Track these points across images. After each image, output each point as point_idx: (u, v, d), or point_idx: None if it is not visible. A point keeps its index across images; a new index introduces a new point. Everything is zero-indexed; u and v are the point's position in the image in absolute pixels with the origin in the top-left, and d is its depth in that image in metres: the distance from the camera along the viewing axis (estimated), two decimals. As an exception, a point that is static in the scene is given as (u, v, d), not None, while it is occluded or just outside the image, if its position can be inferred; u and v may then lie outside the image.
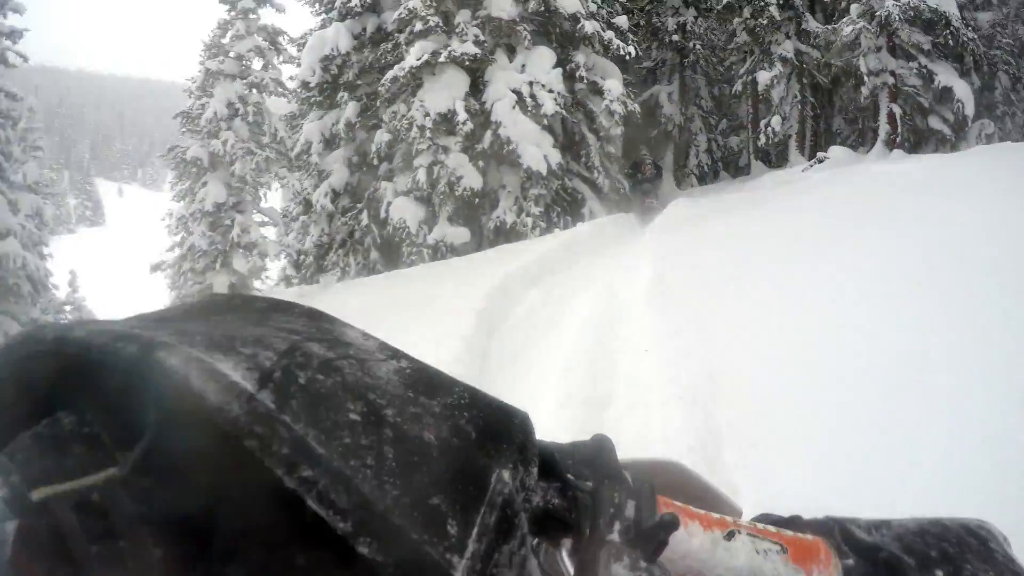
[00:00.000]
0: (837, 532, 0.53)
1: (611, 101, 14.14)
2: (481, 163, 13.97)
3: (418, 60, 14.01)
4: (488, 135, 13.88)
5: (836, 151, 16.08)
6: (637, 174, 17.83)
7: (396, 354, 0.42)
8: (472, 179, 13.73)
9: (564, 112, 14.00)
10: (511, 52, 14.86)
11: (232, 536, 0.31)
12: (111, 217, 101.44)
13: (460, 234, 13.98)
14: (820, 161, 15.81)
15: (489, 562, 0.33)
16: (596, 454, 0.51)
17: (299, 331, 0.39)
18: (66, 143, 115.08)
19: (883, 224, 6.16)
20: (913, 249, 5.07)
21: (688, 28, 21.48)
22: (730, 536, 0.49)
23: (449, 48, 13.92)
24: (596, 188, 14.88)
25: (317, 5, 18.74)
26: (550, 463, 0.47)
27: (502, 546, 0.35)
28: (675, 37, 21.26)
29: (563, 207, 14.55)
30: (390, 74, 14.65)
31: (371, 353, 0.40)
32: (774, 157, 22.16)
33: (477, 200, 14.10)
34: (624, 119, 14.58)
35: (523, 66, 14.33)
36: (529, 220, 13.55)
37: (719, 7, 19.43)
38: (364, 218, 15.68)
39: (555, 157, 13.54)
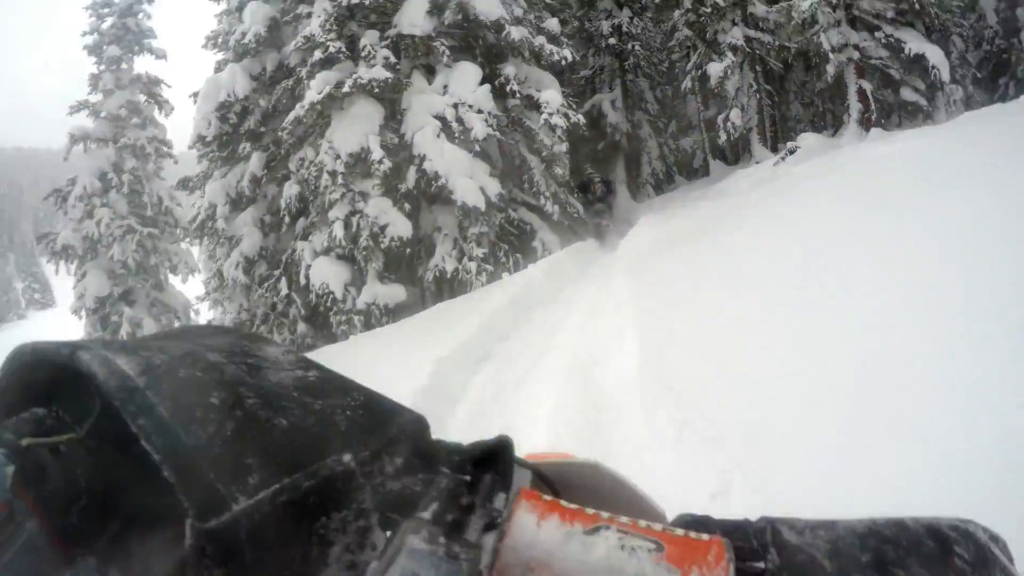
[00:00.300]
0: (769, 533, 0.49)
1: (550, 114, 11.83)
2: (408, 206, 11.56)
3: (320, 94, 11.60)
4: (412, 172, 11.48)
5: (807, 138, 13.98)
6: (588, 194, 15.58)
7: (308, 367, 0.55)
8: (399, 226, 11.31)
9: (498, 134, 11.68)
10: (430, 73, 12.53)
11: (125, 469, 0.45)
12: (61, 297, 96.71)
13: (394, 293, 11.53)
14: (791, 152, 13.67)
15: (293, 516, 0.44)
16: (486, 453, 0.55)
17: (213, 346, 0.52)
18: (7, 225, 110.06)
19: (903, 220, 4.80)
20: (937, 245, 4.04)
21: (624, 30, 19.40)
22: (594, 531, 0.49)
23: (355, 76, 11.54)
24: (545, 216, 12.53)
25: (214, 49, 16.23)
26: (431, 457, 0.54)
27: (331, 513, 0.46)
28: (611, 40, 19.15)
29: (510, 243, 12.17)
30: (292, 115, 12.22)
31: (278, 364, 0.54)
32: (730, 154, 20.16)
33: (408, 250, 11.68)
34: (568, 133, 12.28)
35: (445, 87, 12.00)
36: (472, 265, 11.15)
37: (656, 1, 17.36)
38: (283, 286, 13.14)
39: (493, 187, 11.20)
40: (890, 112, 15.67)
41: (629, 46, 19.39)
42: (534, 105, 12.28)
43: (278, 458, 0.45)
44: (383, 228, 11.27)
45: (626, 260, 8.30)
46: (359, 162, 11.39)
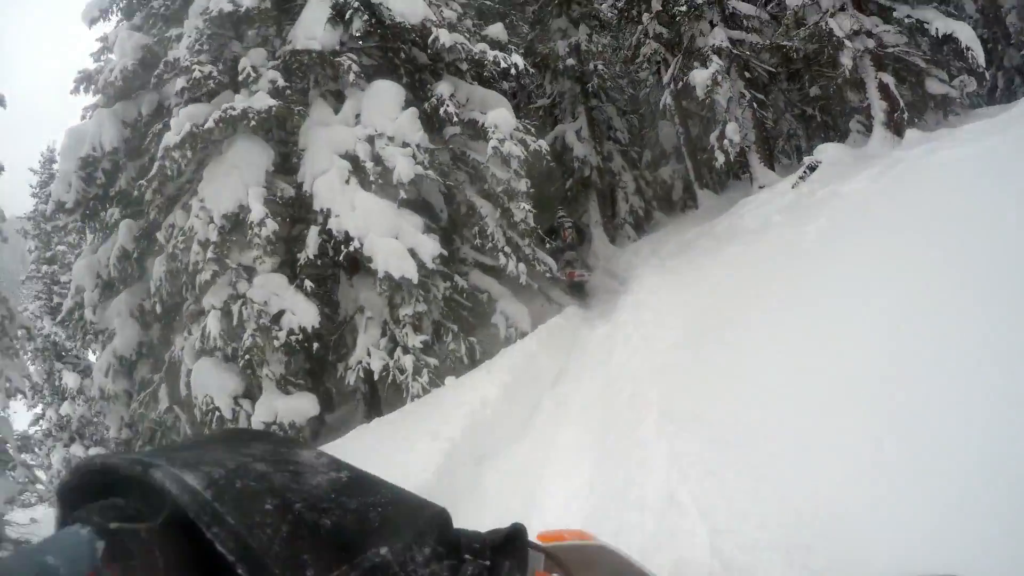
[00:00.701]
0: None
1: (500, 140, 8.14)
2: (309, 284, 7.75)
3: (179, 135, 7.87)
4: (313, 234, 7.73)
5: (827, 150, 10.45)
6: (557, 241, 11.91)
7: (340, 468, 0.60)
8: (301, 312, 7.51)
9: (432, 173, 7.97)
10: (338, 99, 8.86)
11: (198, 558, 0.48)
12: None
13: (301, 406, 7.65)
14: (812, 168, 10.18)
15: None
16: (504, 540, 0.61)
17: (257, 455, 0.56)
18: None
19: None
20: None
21: (583, 48, 15.96)
22: None
23: (226, 108, 7.82)
24: (507, 279, 8.77)
25: (87, 93, 12.32)
26: (455, 546, 0.58)
27: None
28: (570, 62, 15.66)
29: (461, 322, 8.39)
30: (156, 166, 8.48)
31: (314, 468, 0.58)
32: (718, 180, 16.70)
33: (316, 344, 7.86)
34: (528, 165, 8.61)
35: (357, 116, 8.33)
36: (408, 361, 7.33)
37: (620, 4, 13.92)
38: (164, 397, 9.21)
39: (430, 248, 7.44)
40: (918, 109, 12.33)
41: (591, 66, 15.95)
42: (479, 133, 8.61)
43: (328, 553, 0.49)
44: (277, 317, 7.48)
45: (650, 372, 4.48)
46: (238, 226, 7.64)
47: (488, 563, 0.56)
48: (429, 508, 0.59)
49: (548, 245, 9.46)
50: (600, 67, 16.22)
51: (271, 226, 7.28)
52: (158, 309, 8.98)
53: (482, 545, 0.59)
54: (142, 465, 0.50)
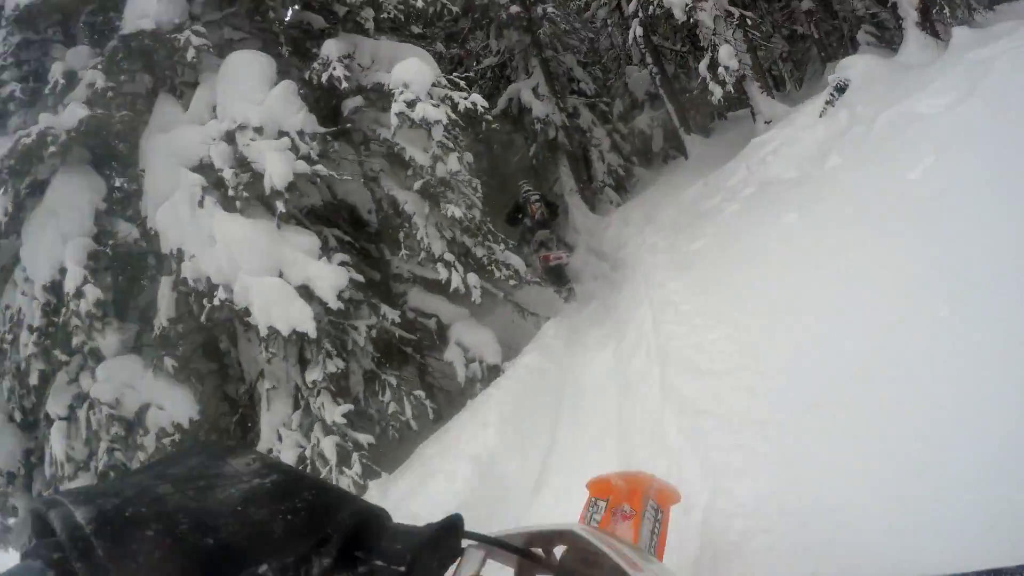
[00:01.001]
0: None
1: (410, 103, 5.50)
2: (171, 363, 5.22)
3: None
4: (165, 289, 5.23)
5: (858, 64, 7.72)
6: (524, 220, 9.29)
7: (269, 472, 0.54)
8: (172, 404, 5.04)
9: (323, 167, 5.39)
10: (192, 88, 6.30)
11: None
12: None
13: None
14: (841, 88, 7.55)
15: None
16: (431, 537, 0.53)
17: (172, 475, 0.53)
18: None
19: None
20: None
21: (526, -7, 13.23)
22: None
23: (19, 136, 5.30)
24: (456, 295, 6.13)
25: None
26: (370, 551, 0.53)
27: None
28: (514, 9, 12.94)
29: (405, 364, 5.89)
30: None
31: (235, 477, 0.53)
32: (702, 119, 14.08)
33: (203, 441, 5.39)
34: (462, 132, 6.00)
35: (214, 108, 5.79)
36: (330, 445, 4.87)
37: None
38: (49, 525, 6.81)
39: (332, 278, 4.88)
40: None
41: (539, 11, 13.28)
42: (382, 99, 6.00)
43: (193, 573, 0.46)
44: (139, 416, 5.01)
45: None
46: (60, 300, 5.14)
47: (403, 568, 0.50)
48: (349, 508, 0.52)
49: (503, 248, 6.57)
50: (551, 10, 13.54)
51: (93, 294, 4.77)
52: (17, 417, 6.54)
53: (403, 546, 0.52)
54: (47, 505, 0.49)
